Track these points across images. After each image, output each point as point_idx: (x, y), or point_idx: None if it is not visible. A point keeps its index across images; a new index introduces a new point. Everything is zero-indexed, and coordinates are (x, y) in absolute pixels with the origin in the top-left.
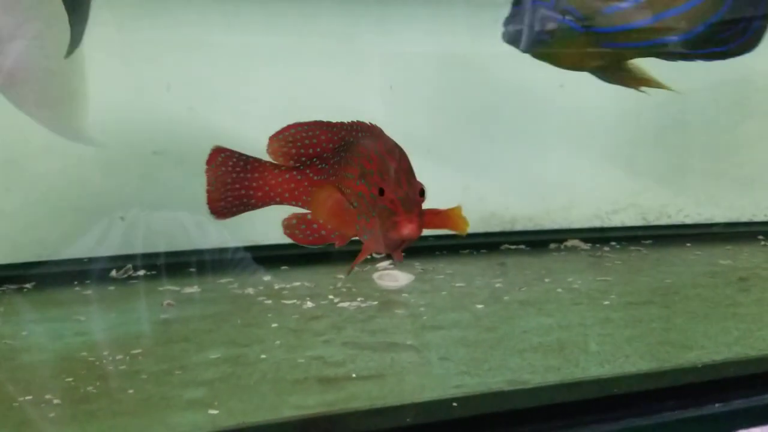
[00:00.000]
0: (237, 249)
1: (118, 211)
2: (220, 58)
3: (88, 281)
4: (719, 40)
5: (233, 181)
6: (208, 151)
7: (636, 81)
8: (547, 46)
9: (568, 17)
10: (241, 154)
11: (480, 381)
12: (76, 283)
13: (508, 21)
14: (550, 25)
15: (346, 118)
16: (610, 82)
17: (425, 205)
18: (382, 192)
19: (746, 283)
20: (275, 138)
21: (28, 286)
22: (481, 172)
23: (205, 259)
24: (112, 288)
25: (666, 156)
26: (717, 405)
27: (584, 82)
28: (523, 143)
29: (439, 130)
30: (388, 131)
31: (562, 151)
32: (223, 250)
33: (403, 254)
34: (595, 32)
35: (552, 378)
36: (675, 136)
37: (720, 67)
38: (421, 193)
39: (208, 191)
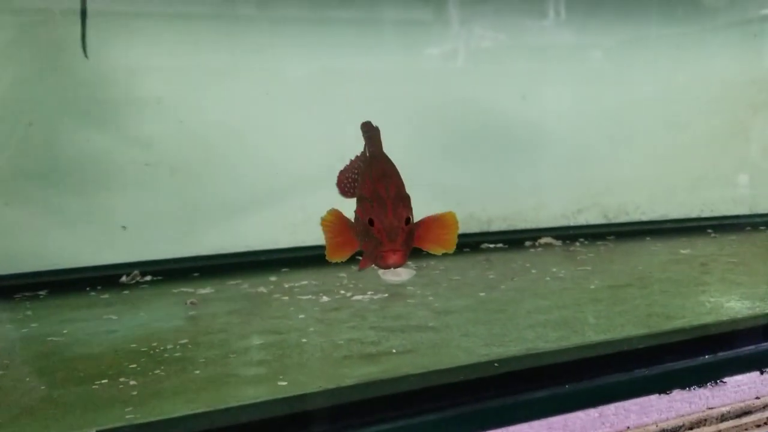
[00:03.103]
0: None
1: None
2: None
3: (99, 287)
4: None
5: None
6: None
7: None
8: None
9: None
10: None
11: (505, 350)
12: (88, 288)
13: None
14: None
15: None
16: None
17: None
18: (371, 222)
19: (707, 267)
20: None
21: (42, 293)
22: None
23: (206, 264)
24: (126, 292)
25: (621, 160)
26: (707, 356)
27: (544, 93)
28: (495, 151)
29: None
30: None
31: (529, 157)
32: None
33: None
34: None
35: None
36: (627, 141)
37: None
38: (407, 221)
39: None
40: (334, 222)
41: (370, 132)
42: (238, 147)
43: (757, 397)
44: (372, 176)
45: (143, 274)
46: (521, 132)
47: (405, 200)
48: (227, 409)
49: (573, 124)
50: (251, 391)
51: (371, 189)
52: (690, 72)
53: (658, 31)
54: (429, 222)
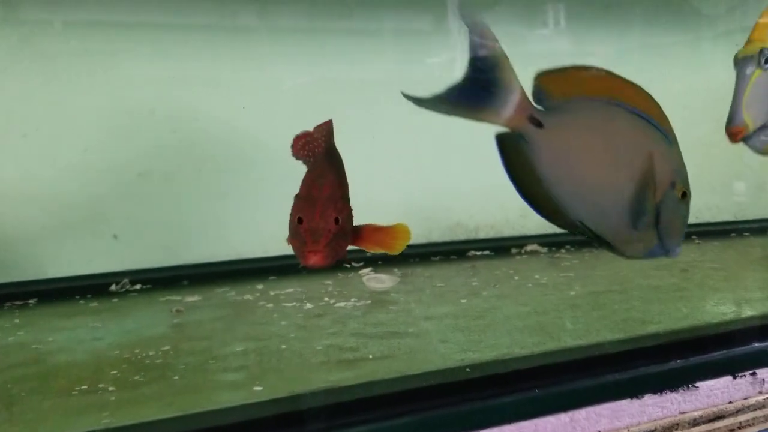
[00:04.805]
0: None
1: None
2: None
3: (89, 295)
4: None
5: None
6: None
7: None
8: None
9: None
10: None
11: (480, 356)
12: (78, 297)
13: None
14: None
15: None
16: None
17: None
18: (300, 220)
19: (687, 273)
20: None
21: (31, 302)
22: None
23: (195, 272)
24: (115, 300)
25: None
26: (679, 361)
27: None
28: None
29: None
30: None
31: None
32: None
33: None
34: None
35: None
36: None
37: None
38: (336, 221)
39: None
40: None
41: (325, 127)
42: (228, 156)
43: (730, 402)
44: (310, 175)
45: (133, 283)
46: None
47: (338, 202)
48: (200, 414)
49: None
50: (227, 396)
51: (307, 188)
52: (678, 81)
53: (647, 41)
54: (376, 229)
